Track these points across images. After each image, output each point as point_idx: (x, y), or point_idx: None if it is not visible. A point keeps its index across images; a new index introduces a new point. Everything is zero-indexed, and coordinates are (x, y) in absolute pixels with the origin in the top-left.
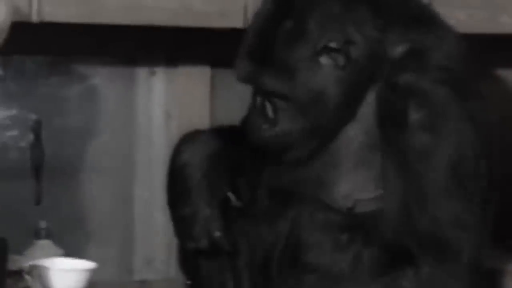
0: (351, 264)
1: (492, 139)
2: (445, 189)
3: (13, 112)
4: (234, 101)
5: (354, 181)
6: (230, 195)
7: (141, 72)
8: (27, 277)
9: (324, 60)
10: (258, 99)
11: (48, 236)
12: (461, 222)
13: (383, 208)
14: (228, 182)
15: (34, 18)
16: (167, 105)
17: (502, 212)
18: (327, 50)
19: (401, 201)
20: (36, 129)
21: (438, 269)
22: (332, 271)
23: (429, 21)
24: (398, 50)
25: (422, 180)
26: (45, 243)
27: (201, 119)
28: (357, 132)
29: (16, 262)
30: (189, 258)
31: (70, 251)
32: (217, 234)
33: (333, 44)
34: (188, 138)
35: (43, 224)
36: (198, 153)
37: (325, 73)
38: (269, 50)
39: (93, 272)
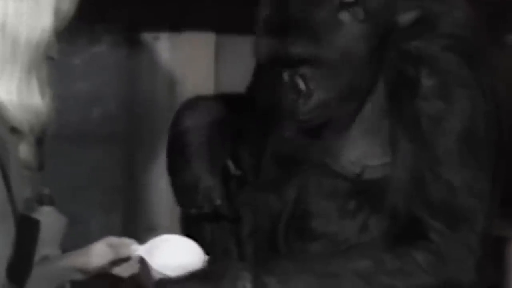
0: (358, 232)
1: (501, 106)
2: (458, 155)
3: None
4: (239, 67)
5: (362, 147)
6: (230, 163)
7: (145, 38)
8: (136, 265)
9: (343, 16)
10: (286, 76)
11: (51, 203)
12: (474, 190)
13: (391, 175)
14: (229, 150)
15: None
16: (171, 71)
17: (509, 180)
18: (344, 5)
19: (412, 169)
20: None
21: (450, 239)
22: (339, 239)
23: None
24: (408, 16)
25: (435, 147)
26: (48, 210)
27: (205, 85)
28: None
29: (127, 247)
30: (192, 225)
31: (73, 219)
32: (219, 202)
33: None
34: (190, 105)
35: (46, 190)
36: (200, 119)
37: (347, 29)
38: (287, 19)
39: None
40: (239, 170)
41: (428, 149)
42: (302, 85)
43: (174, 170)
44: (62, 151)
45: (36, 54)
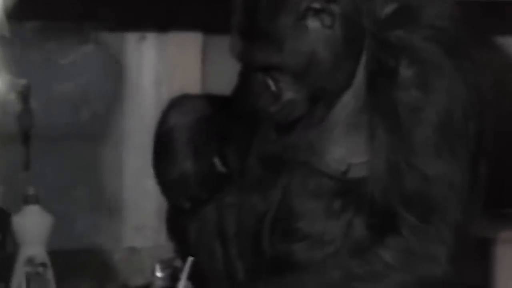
0: (344, 232)
1: (485, 103)
2: (433, 146)
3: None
4: (226, 67)
5: (346, 145)
6: (216, 160)
7: (132, 37)
8: None
9: (309, 22)
10: (259, 75)
11: (37, 202)
12: (448, 181)
13: (372, 168)
14: (215, 147)
15: None
16: (157, 71)
17: (496, 180)
18: (310, 12)
19: (389, 158)
20: (25, 94)
21: (421, 232)
22: (325, 239)
23: None
24: (388, 8)
25: (411, 136)
26: (34, 208)
27: (192, 85)
28: (349, 95)
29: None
30: (177, 226)
31: (59, 218)
32: (212, 188)
33: (315, 5)
34: (176, 103)
35: (31, 190)
36: (185, 117)
37: (312, 36)
38: (254, 24)
39: None
40: (226, 168)
41: (404, 139)
42: (272, 86)
43: (159, 168)
44: (48, 150)
45: None
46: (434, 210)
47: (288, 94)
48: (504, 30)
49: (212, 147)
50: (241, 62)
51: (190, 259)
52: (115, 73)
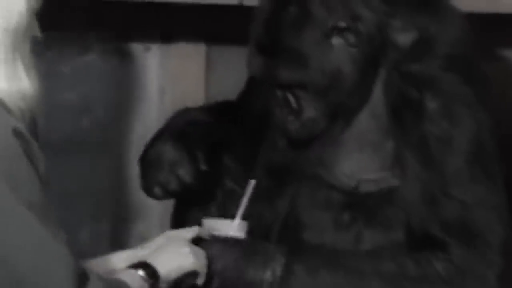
0: (352, 244)
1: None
2: (468, 172)
3: None
4: (229, 78)
5: (359, 161)
6: (200, 156)
7: (136, 48)
8: None
9: (334, 40)
10: (279, 92)
11: None
12: (488, 204)
13: (403, 197)
14: (202, 144)
15: None
16: (161, 82)
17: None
18: (336, 30)
19: (424, 189)
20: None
21: (468, 255)
22: None
23: (434, 3)
24: (406, 37)
25: (445, 167)
26: None
27: (195, 96)
28: (365, 113)
29: None
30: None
31: (62, 227)
32: (187, 178)
33: (341, 24)
34: (178, 114)
35: None
36: (181, 119)
37: (337, 54)
38: (277, 41)
39: None
40: (207, 166)
41: (439, 169)
42: (293, 103)
43: (143, 154)
44: (51, 159)
45: (16, 38)
46: (478, 235)
47: (309, 111)
48: (508, 43)
49: (198, 142)
50: (260, 78)
51: (252, 182)
52: (119, 83)
